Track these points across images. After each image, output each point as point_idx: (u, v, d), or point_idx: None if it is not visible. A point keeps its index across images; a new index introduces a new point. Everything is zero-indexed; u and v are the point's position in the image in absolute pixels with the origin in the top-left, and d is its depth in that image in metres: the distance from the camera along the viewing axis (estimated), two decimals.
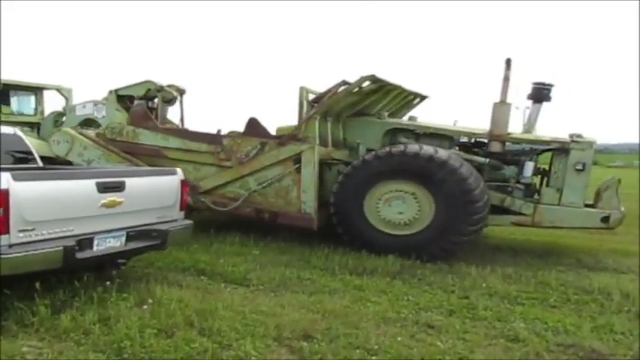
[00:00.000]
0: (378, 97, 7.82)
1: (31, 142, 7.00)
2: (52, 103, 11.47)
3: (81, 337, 3.82)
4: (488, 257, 6.96)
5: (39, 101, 11.62)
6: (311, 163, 7.04)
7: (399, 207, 6.72)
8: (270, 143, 7.39)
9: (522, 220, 7.10)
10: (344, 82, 7.32)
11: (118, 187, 4.67)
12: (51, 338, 3.81)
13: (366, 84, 7.32)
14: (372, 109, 8.01)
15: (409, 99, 8.74)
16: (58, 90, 11.47)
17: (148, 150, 7.91)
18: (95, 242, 4.49)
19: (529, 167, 7.11)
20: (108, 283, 4.70)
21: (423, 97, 9.04)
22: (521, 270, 6.33)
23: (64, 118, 9.83)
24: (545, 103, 7.74)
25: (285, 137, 7.45)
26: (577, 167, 6.85)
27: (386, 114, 7.98)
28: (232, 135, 8.00)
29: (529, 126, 7.80)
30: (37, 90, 11.54)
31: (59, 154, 8.12)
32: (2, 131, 5.86)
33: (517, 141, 7.53)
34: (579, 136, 7.10)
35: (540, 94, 7.62)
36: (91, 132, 8.45)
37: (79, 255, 4.28)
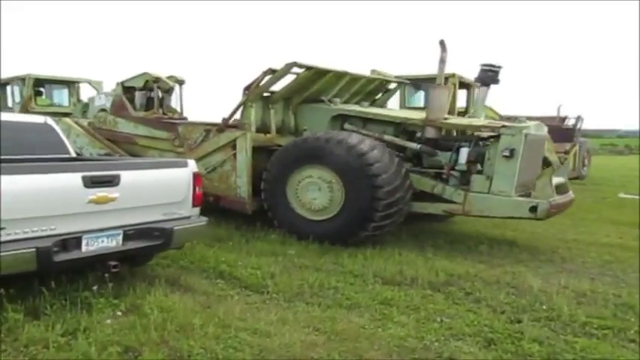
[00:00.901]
0: (327, 84, 7.66)
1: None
2: (85, 95, 13.14)
3: (40, 351, 3.41)
4: (567, 268, 5.87)
5: (72, 93, 13.30)
6: (244, 149, 7.20)
7: (314, 192, 6.68)
8: (213, 131, 7.56)
9: (453, 209, 6.79)
10: (271, 71, 7.22)
11: (111, 182, 4.20)
12: (12, 350, 3.44)
13: (294, 70, 7.22)
14: (325, 95, 7.84)
15: (378, 85, 8.62)
16: (89, 83, 12.98)
17: (124, 137, 8.32)
18: (84, 242, 4.09)
19: (463, 154, 6.65)
20: (95, 287, 4.31)
21: (400, 83, 8.96)
22: (604, 286, 5.16)
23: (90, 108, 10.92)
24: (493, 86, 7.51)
25: (224, 124, 7.50)
26: (504, 154, 6.34)
27: (338, 100, 7.89)
28: (184, 123, 8.40)
29: (476, 109, 7.56)
30: (70, 83, 13.25)
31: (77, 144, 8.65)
32: (31, 120, 5.61)
33: (449, 127, 7.13)
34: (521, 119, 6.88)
35: (488, 76, 7.41)
36: (84, 121, 9.04)
37: (61, 256, 3.89)
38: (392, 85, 9.25)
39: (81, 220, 4.07)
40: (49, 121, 5.63)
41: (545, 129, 7.21)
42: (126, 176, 4.32)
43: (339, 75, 7.71)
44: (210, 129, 7.61)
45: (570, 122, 15.78)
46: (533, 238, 7.47)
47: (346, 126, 7.54)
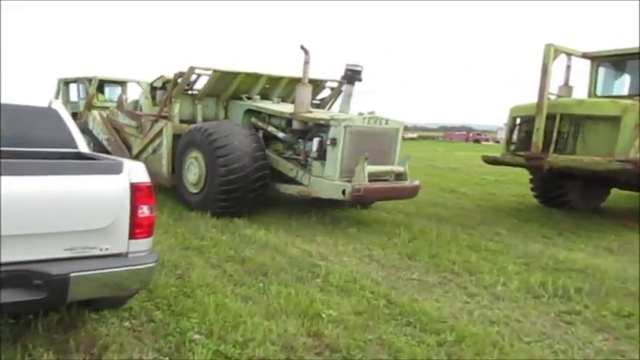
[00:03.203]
0: (245, 83, 8.96)
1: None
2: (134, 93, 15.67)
3: None
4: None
5: (124, 91, 15.74)
6: (166, 136, 8.71)
7: (193, 170, 7.99)
8: (154, 121, 9.07)
9: (304, 191, 7.67)
10: (180, 74, 8.70)
11: None
12: None
13: (200, 72, 8.71)
14: (251, 92, 9.15)
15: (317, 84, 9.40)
16: (138, 83, 15.47)
17: (119, 126, 10.15)
18: None
19: (314, 143, 7.51)
20: None
21: (320, 81, 9.58)
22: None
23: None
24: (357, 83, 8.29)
25: (157, 116, 9.04)
26: (328, 143, 7.29)
27: (257, 97, 9.12)
28: (144, 114, 9.73)
29: (343, 105, 8.40)
30: (122, 83, 16.04)
31: (92, 130, 10.69)
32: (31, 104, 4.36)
33: (303, 119, 7.90)
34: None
35: (351, 76, 8.17)
36: (104, 113, 10.92)
37: None
38: (334, 84, 9.75)
39: None
40: (56, 105, 4.52)
41: (391, 123, 7.85)
42: (6, 184, 2.78)
43: (255, 75, 8.95)
44: (154, 120, 9.11)
45: None
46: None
47: (252, 119, 8.80)
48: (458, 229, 7.63)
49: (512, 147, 9.27)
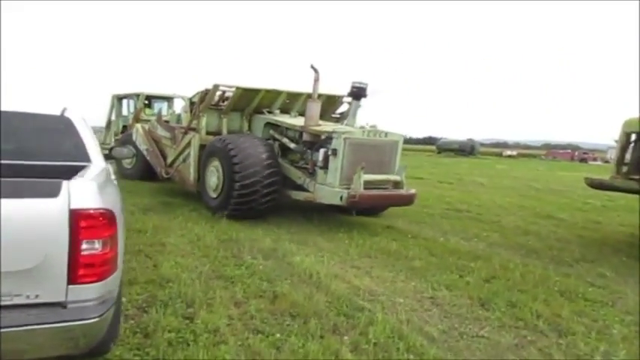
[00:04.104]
0: (266, 99, 9.48)
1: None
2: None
3: None
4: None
5: (170, 106, 17.12)
6: (193, 147, 9.42)
7: (212, 177, 8.72)
8: (184, 133, 9.78)
9: (309, 197, 8.15)
10: (206, 91, 9.44)
11: None
12: None
13: (224, 89, 9.63)
14: (272, 107, 9.69)
15: (333, 100, 9.94)
16: (182, 98, 15.88)
17: (157, 137, 11.09)
18: None
19: (320, 153, 8.00)
20: None
21: (337, 97, 9.95)
22: None
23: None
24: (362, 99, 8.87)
25: (186, 128, 9.77)
26: (330, 153, 7.82)
27: (277, 111, 9.66)
28: (177, 126, 10.52)
29: (349, 119, 8.96)
30: (168, 99, 17.22)
31: (135, 141, 11.55)
32: (42, 112, 3.99)
33: (312, 132, 8.37)
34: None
35: (357, 92, 8.70)
36: (146, 126, 11.78)
37: None
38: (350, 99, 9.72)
39: None
40: (70, 113, 4.05)
41: (390, 136, 8.27)
42: None
43: (275, 92, 9.49)
44: (184, 132, 9.81)
45: None
46: None
47: (270, 131, 9.34)
48: (550, 267, 6.31)
49: (625, 169, 7.75)
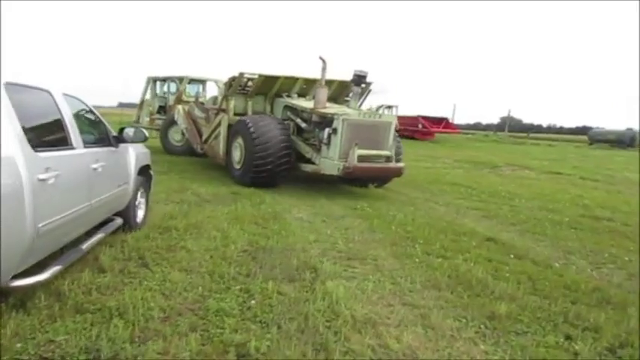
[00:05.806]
0: (285, 84, 11.00)
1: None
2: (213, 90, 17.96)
3: None
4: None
5: (204, 88, 18.37)
6: (222, 126, 10.95)
7: (236, 152, 10.20)
8: (216, 114, 11.36)
9: (316, 169, 9.64)
10: (232, 78, 10.87)
11: None
12: None
13: (248, 76, 10.83)
14: (290, 92, 11.20)
15: (344, 85, 11.30)
16: (215, 81, 17.81)
17: (195, 117, 12.67)
18: None
19: (325, 132, 9.33)
20: None
21: (347, 83, 11.04)
22: None
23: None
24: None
25: (218, 109, 11.33)
26: (330, 132, 9.18)
27: (295, 95, 11.14)
28: (211, 107, 12.04)
29: (351, 102, 10.36)
30: (202, 82, 18.39)
31: (176, 119, 13.51)
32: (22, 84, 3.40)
33: (318, 114, 9.75)
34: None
35: (357, 79, 10.14)
36: (186, 107, 13.41)
37: None
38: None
39: None
40: (53, 90, 3.81)
41: (384, 117, 9.88)
42: None
43: (292, 78, 10.97)
44: (216, 112, 11.38)
45: None
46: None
47: (288, 113, 10.73)
48: None
49: None
